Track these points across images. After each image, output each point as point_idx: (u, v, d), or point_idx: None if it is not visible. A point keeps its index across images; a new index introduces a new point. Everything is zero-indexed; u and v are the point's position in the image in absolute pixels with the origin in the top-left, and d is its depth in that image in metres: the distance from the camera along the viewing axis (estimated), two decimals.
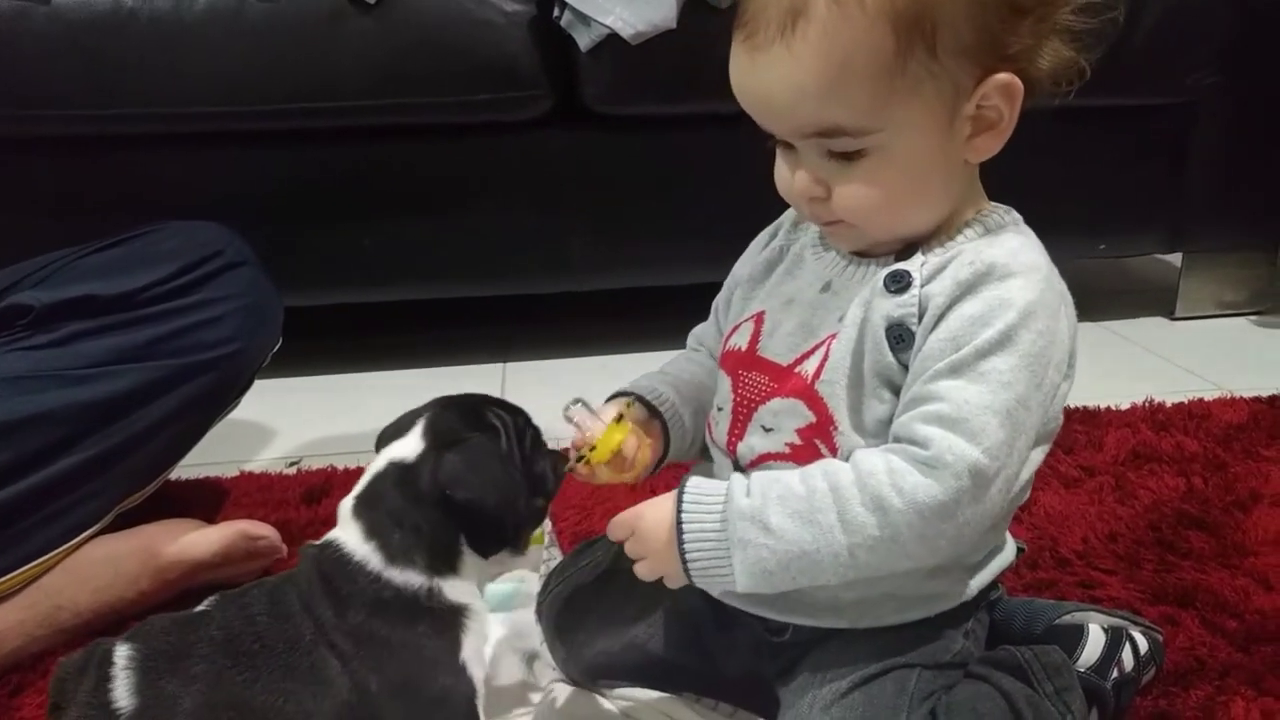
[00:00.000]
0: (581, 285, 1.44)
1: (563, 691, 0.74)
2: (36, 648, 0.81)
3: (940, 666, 0.63)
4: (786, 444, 0.62)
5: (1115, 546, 0.91)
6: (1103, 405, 1.19)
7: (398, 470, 0.62)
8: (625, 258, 1.42)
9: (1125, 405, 1.19)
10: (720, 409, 0.67)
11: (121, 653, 0.60)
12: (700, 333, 0.77)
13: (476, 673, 0.61)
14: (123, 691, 0.58)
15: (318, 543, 0.63)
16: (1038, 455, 0.63)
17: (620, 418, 0.66)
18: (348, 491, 1.10)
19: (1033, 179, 1.41)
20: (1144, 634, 0.72)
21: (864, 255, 0.64)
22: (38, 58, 1.21)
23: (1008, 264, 0.57)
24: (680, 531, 0.58)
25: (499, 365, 1.45)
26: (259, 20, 1.23)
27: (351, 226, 1.35)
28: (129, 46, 1.21)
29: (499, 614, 0.83)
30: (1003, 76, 0.56)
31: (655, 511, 0.61)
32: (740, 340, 0.67)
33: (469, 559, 0.63)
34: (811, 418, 0.61)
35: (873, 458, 0.57)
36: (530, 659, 0.78)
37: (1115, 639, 0.70)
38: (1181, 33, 1.38)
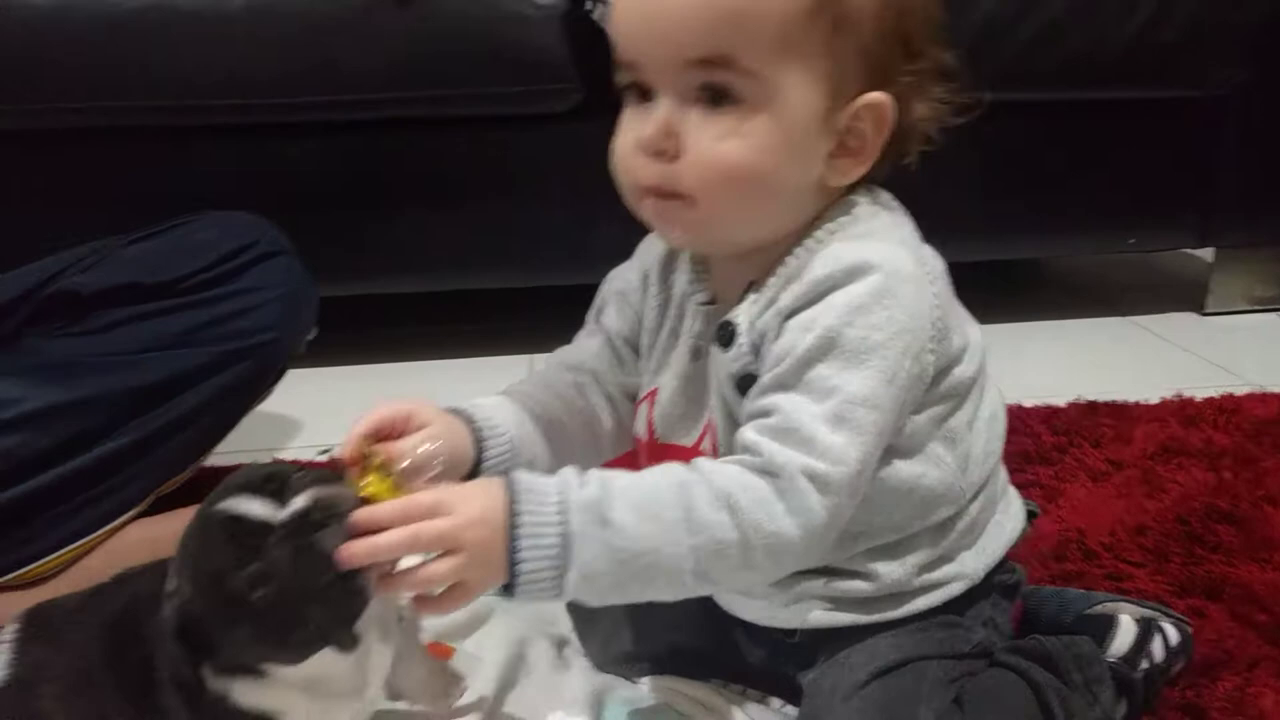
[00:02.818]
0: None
1: (592, 677, 0.75)
2: None
3: (960, 657, 0.63)
4: None
5: (1143, 539, 0.90)
6: (1131, 399, 1.18)
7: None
8: None
9: (1154, 400, 1.19)
10: None
11: (7, 631, 0.61)
12: (577, 357, 0.70)
13: None
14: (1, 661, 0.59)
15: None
16: (963, 417, 0.61)
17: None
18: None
19: (1061, 172, 1.42)
20: (1174, 625, 0.72)
21: (717, 304, 0.62)
22: (80, 51, 1.23)
23: (829, 274, 0.55)
24: (515, 532, 0.51)
25: (526, 356, 1.46)
26: (294, 13, 1.25)
27: (382, 217, 1.36)
28: (169, 40, 1.23)
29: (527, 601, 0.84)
30: (879, 95, 0.55)
31: (481, 513, 0.51)
32: (639, 427, 0.66)
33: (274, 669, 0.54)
34: None
35: (717, 463, 0.54)
36: (560, 645, 0.79)
37: (1146, 630, 0.70)
38: (1211, 27, 1.36)
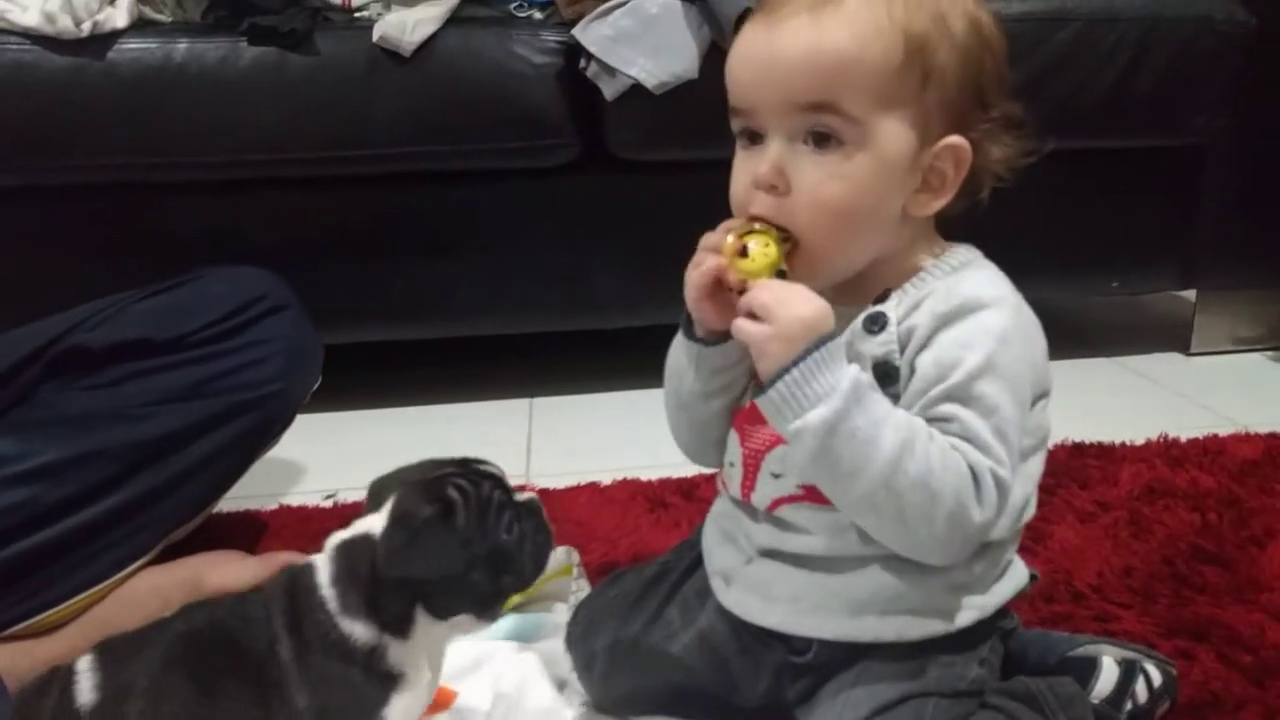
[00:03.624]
0: (607, 323, 1.48)
1: (592, 718, 0.76)
2: None
3: (956, 695, 0.65)
4: (798, 485, 0.66)
5: (1130, 581, 0.92)
6: (1118, 441, 1.21)
7: (365, 542, 0.65)
8: (649, 295, 1.45)
9: (1140, 441, 1.21)
10: (732, 464, 0.71)
11: (84, 661, 0.64)
12: None
13: None
14: (85, 688, 0.62)
15: (299, 565, 0.67)
16: (1035, 466, 0.67)
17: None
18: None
19: (1045, 218, 1.46)
20: (1158, 667, 0.74)
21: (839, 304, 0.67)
22: (93, 109, 1.27)
23: (979, 296, 0.62)
24: (809, 352, 0.59)
25: (526, 400, 1.48)
26: (300, 73, 1.29)
27: (386, 267, 1.39)
28: (179, 98, 1.27)
29: (528, 643, 0.86)
30: (959, 138, 0.62)
31: (802, 318, 0.59)
32: (744, 399, 0.70)
33: (422, 624, 0.65)
34: None
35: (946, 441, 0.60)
36: (560, 686, 0.80)
37: (1129, 671, 0.72)
38: (1187, 77, 1.41)
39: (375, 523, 0.65)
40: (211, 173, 1.32)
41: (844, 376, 0.59)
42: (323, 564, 0.66)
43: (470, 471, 0.67)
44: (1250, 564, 0.94)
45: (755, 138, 0.64)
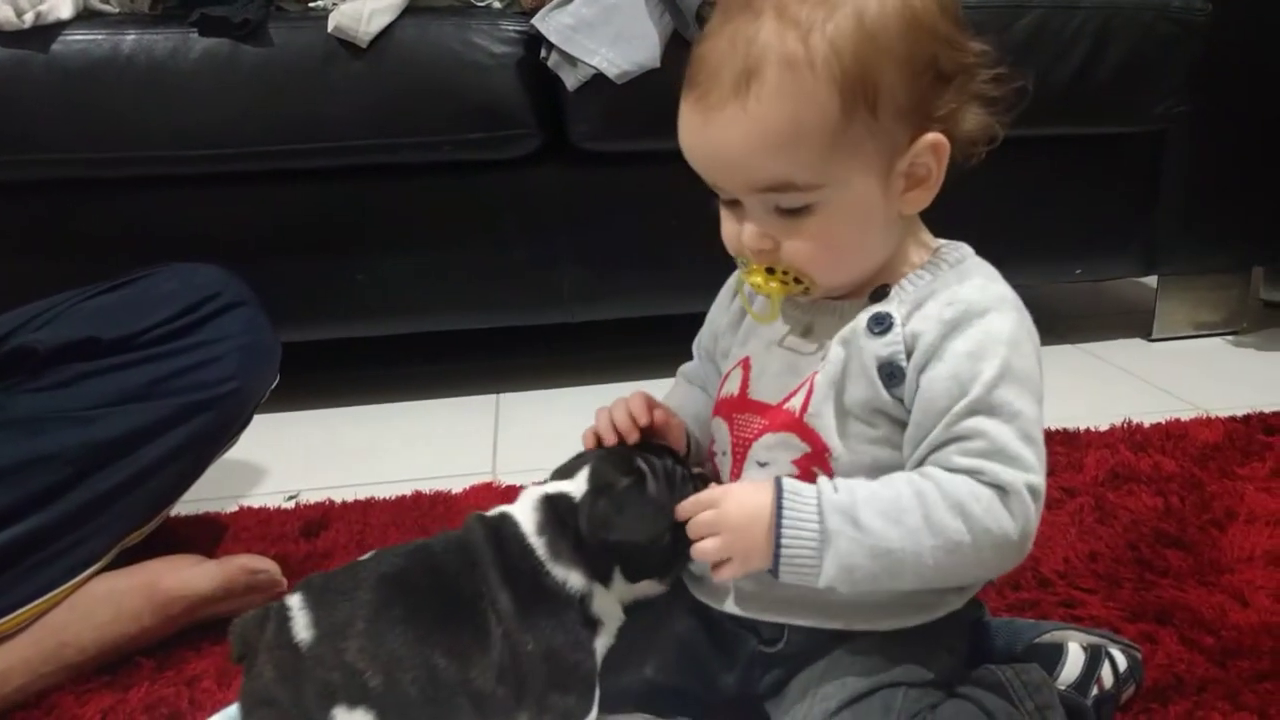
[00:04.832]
0: (572, 316, 1.46)
1: None
2: (41, 685, 0.82)
3: (925, 685, 0.65)
4: (784, 475, 0.65)
5: (1095, 566, 0.93)
6: (1082, 427, 1.22)
7: (567, 502, 0.68)
8: (613, 289, 1.45)
9: (1104, 427, 1.22)
10: (723, 454, 0.71)
11: (294, 599, 0.66)
12: (689, 370, 0.81)
13: (597, 661, 0.69)
14: (301, 626, 0.65)
15: (491, 514, 0.70)
16: None
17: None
18: (346, 524, 1.11)
19: (1010, 206, 1.47)
20: (1123, 652, 0.74)
21: (831, 300, 0.67)
22: (38, 103, 1.23)
23: (982, 300, 0.62)
24: (780, 522, 0.60)
25: (493, 396, 1.47)
26: (253, 65, 1.26)
27: (346, 263, 1.37)
28: (127, 92, 1.24)
29: None
30: (932, 136, 0.60)
31: (743, 506, 0.62)
32: (732, 387, 0.70)
33: (618, 579, 0.69)
34: (806, 448, 0.65)
35: (948, 474, 0.60)
36: None
37: (1094, 657, 0.72)
38: (1149, 64, 1.42)
39: (570, 487, 0.69)
40: (162, 168, 1.29)
41: (826, 514, 0.60)
42: (523, 514, 0.69)
43: (652, 446, 0.71)
44: (1211, 546, 0.95)
45: (734, 202, 0.64)
